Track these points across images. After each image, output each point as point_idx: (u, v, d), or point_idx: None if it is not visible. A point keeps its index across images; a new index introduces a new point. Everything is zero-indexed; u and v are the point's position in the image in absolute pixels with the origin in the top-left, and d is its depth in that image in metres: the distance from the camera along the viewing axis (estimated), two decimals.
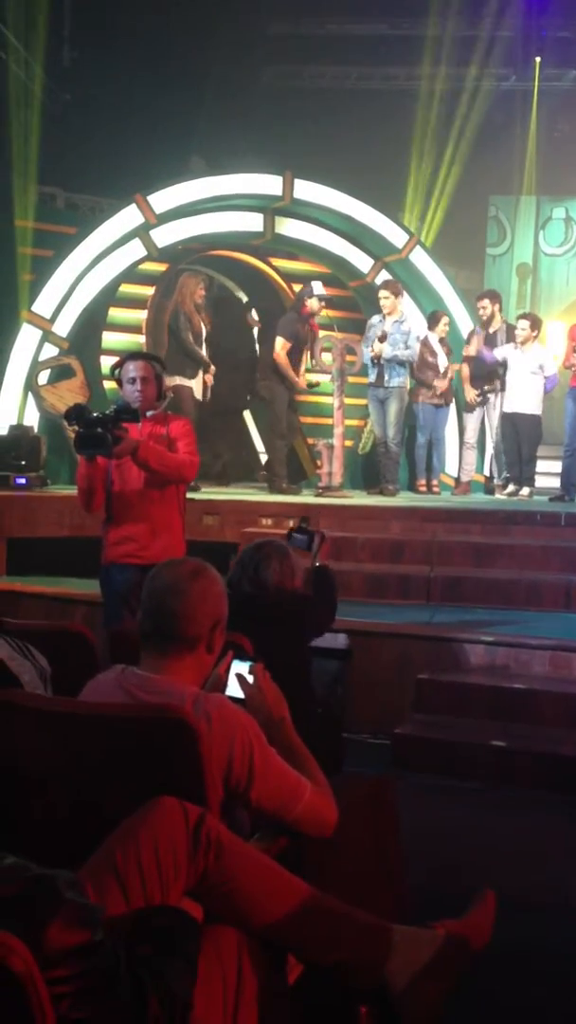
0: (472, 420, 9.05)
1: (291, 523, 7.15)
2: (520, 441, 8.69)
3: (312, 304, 8.30)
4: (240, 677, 2.29)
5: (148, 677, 2.15)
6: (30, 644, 2.42)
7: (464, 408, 9.15)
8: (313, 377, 8.66)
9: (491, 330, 8.97)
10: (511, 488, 8.79)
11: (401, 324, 8.40)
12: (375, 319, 8.54)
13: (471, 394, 8.91)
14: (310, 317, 8.39)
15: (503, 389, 8.81)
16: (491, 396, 8.89)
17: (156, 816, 1.68)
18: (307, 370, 8.59)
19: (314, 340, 8.39)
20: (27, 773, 2.00)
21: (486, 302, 9.05)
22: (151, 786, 1.85)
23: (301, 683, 3.31)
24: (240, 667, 2.32)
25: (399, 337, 8.34)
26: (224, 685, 2.29)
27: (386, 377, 8.39)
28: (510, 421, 8.72)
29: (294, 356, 8.26)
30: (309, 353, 8.39)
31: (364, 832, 2.30)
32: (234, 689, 2.29)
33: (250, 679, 2.28)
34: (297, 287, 9.49)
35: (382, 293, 8.51)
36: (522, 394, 8.61)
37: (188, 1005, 1.36)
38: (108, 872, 1.58)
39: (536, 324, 8.76)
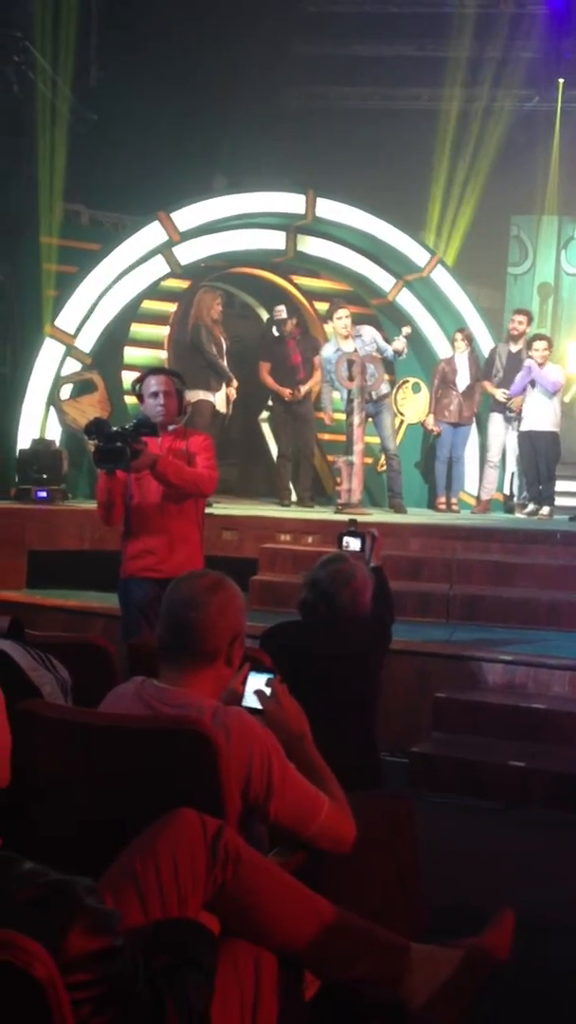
0: (495, 438, 9.03)
1: (310, 539, 7.20)
2: (538, 459, 8.67)
3: (276, 328, 8.59)
4: (259, 693, 2.28)
5: (167, 689, 2.16)
6: (51, 655, 2.43)
7: (489, 422, 9.12)
8: (304, 388, 8.68)
9: (514, 348, 8.96)
10: (531, 507, 8.76)
11: (362, 339, 8.32)
12: (329, 351, 8.31)
13: (499, 394, 8.87)
14: (285, 337, 8.57)
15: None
16: (513, 413, 8.87)
17: (175, 828, 1.68)
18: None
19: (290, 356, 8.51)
20: (47, 783, 2.01)
21: (523, 318, 9.05)
22: (169, 798, 1.85)
23: (370, 719, 3.28)
24: (257, 680, 2.32)
25: (371, 348, 8.31)
26: (240, 698, 2.29)
27: (372, 394, 8.38)
28: (528, 439, 8.71)
29: (282, 374, 8.52)
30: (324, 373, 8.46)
31: (382, 849, 2.29)
32: (251, 701, 2.28)
33: (268, 692, 2.27)
34: (319, 304, 9.57)
35: (340, 314, 8.33)
36: (539, 412, 8.60)
37: (205, 1016, 1.35)
38: (127, 882, 1.58)
39: (551, 344, 8.80)
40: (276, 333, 8.64)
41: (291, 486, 8.68)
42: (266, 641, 3.34)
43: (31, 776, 1.99)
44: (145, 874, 1.61)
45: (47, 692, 2.27)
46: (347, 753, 2.52)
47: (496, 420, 9.02)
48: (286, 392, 8.51)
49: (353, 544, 3.97)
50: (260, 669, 2.38)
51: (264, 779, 2.03)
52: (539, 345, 8.66)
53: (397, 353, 8.43)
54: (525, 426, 8.70)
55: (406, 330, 8.76)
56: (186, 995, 1.32)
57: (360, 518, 7.72)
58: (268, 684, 2.29)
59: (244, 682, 2.32)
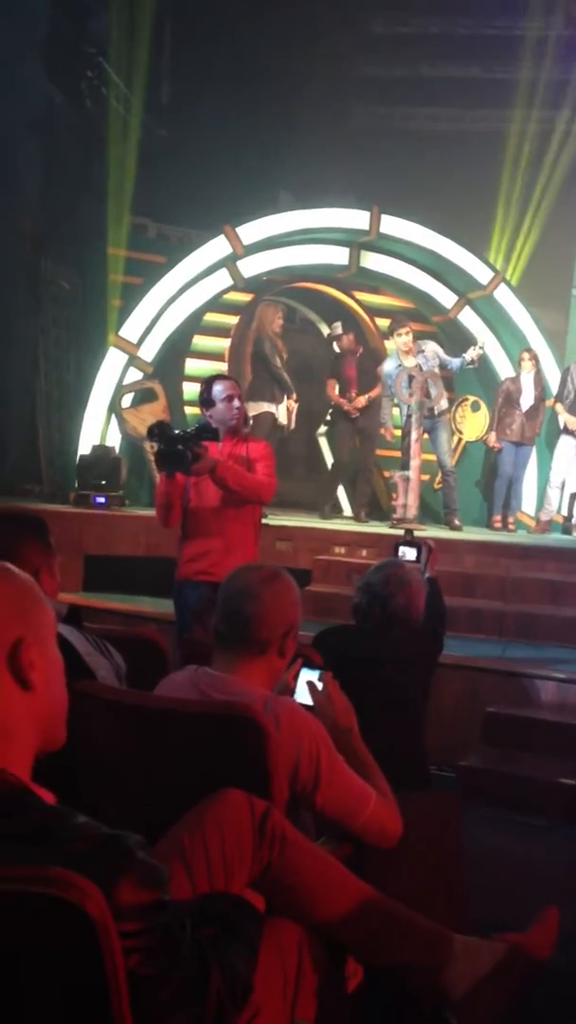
0: (561, 460, 8.95)
1: (364, 552, 7.21)
2: None
3: (336, 344, 8.69)
4: (310, 684, 2.31)
5: (220, 677, 2.19)
6: (107, 643, 2.48)
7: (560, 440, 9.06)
8: (362, 399, 8.72)
9: None
10: None
11: (424, 354, 8.34)
12: (390, 366, 8.37)
13: (569, 419, 8.81)
14: (345, 355, 8.63)
15: None
16: None
17: (223, 806, 1.71)
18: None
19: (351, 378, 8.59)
20: (100, 762, 2.05)
21: None
22: (218, 782, 1.87)
23: (419, 727, 3.28)
24: (309, 675, 2.35)
25: (433, 364, 8.31)
26: (292, 691, 2.32)
27: (432, 410, 8.37)
28: None
29: (342, 388, 8.60)
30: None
31: (427, 847, 2.29)
32: (303, 696, 2.31)
33: (319, 686, 2.30)
34: (381, 321, 9.60)
35: (402, 331, 8.34)
36: None
37: (249, 986, 1.37)
38: (175, 856, 1.61)
39: None
40: (337, 350, 8.71)
41: (338, 499, 8.70)
42: (317, 645, 3.36)
43: (84, 755, 2.03)
44: (193, 849, 1.64)
45: (101, 676, 2.31)
46: (395, 759, 2.52)
47: (565, 442, 8.93)
48: (344, 403, 8.53)
49: (409, 554, 3.97)
50: (312, 666, 2.41)
51: (312, 769, 2.05)
52: None
53: (471, 362, 8.40)
54: None
55: (481, 342, 8.77)
56: (231, 964, 1.35)
57: (419, 534, 7.75)
58: (319, 680, 2.32)
59: (296, 677, 2.34)
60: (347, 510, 9.30)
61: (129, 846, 1.17)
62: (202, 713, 2.03)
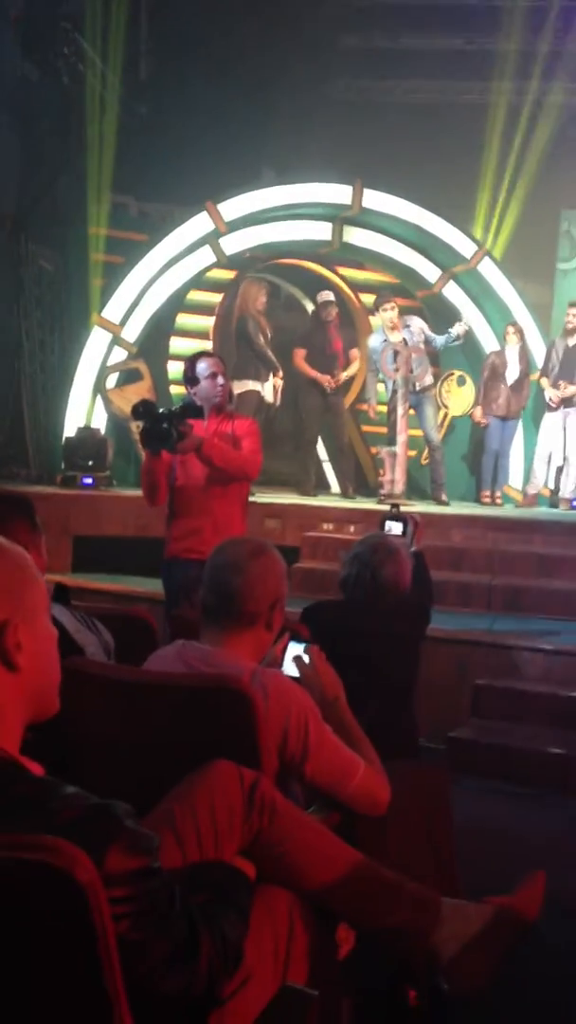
0: (547, 433, 8.95)
1: (352, 528, 7.22)
2: None
3: (321, 312, 8.63)
4: (297, 658, 2.32)
5: (208, 650, 2.20)
6: (95, 619, 2.49)
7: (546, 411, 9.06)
8: (345, 375, 8.78)
9: (572, 342, 8.89)
10: None
11: (410, 329, 8.32)
12: (376, 341, 8.36)
13: (553, 394, 8.82)
14: (326, 324, 8.58)
15: None
16: (571, 408, 8.79)
17: (212, 776, 1.72)
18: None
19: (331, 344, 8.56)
20: (90, 738, 2.05)
21: None
22: (208, 754, 1.88)
23: (408, 700, 3.30)
24: (296, 649, 2.36)
25: (419, 339, 8.29)
26: (280, 665, 2.33)
27: (416, 384, 8.36)
28: None
29: (317, 363, 8.52)
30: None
31: (416, 814, 2.31)
32: (290, 669, 2.32)
33: (306, 659, 2.31)
34: (364, 296, 9.58)
35: (388, 306, 8.32)
36: None
37: (240, 951, 1.39)
38: (165, 827, 1.62)
39: None
40: (327, 318, 8.62)
41: (324, 475, 8.69)
42: (305, 619, 3.37)
43: (73, 731, 2.04)
44: (183, 819, 1.65)
45: (90, 652, 2.32)
46: (384, 732, 2.54)
47: (551, 416, 8.93)
48: (326, 379, 8.51)
49: (395, 528, 3.99)
50: (299, 639, 2.42)
51: (300, 739, 2.07)
52: None
53: (457, 339, 8.37)
54: None
55: (466, 318, 8.76)
56: (222, 930, 1.36)
57: (402, 508, 7.76)
58: (307, 652, 2.34)
59: (284, 650, 2.36)
60: (334, 486, 9.31)
61: (117, 814, 1.19)
62: (190, 686, 2.04)
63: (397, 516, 4.05)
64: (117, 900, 1.13)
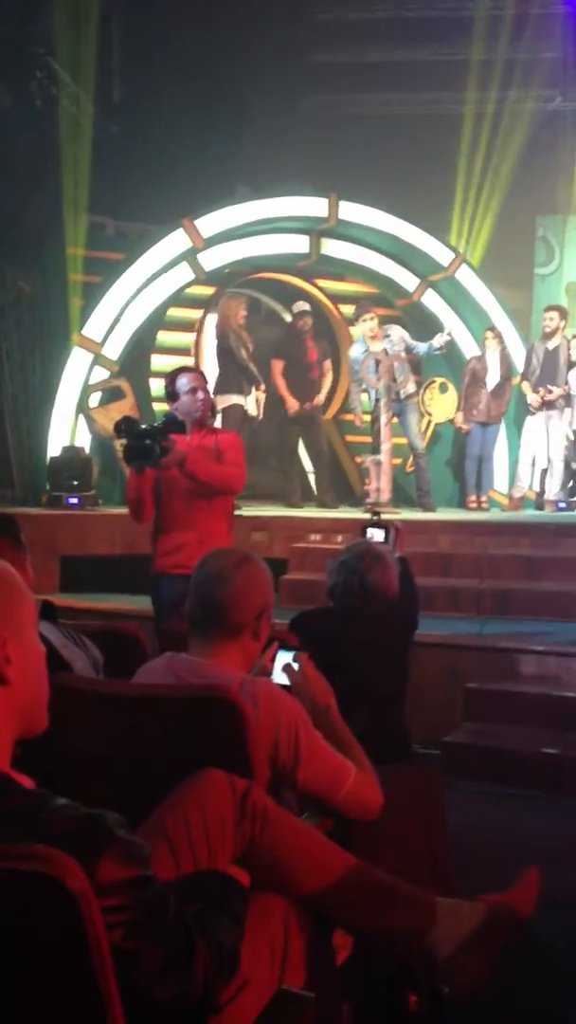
0: (530, 437, 8.99)
1: (339, 539, 7.23)
2: None
3: (297, 323, 8.65)
4: (287, 666, 2.33)
5: (196, 661, 2.21)
6: (83, 635, 2.49)
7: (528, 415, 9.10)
8: (321, 397, 8.82)
9: (551, 345, 8.94)
10: None
11: (390, 338, 8.34)
12: (357, 352, 8.37)
13: (535, 399, 8.86)
14: (301, 335, 8.60)
15: (568, 406, 8.83)
16: (554, 411, 8.84)
17: (203, 785, 1.73)
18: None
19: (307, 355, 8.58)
20: (80, 754, 2.05)
21: (554, 314, 9.02)
22: (199, 765, 1.88)
23: (399, 706, 3.31)
24: (285, 657, 2.37)
25: (399, 348, 8.33)
26: (269, 674, 2.34)
27: (399, 393, 8.39)
28: None
29: (294, 374, 8.53)
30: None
31: (409, 818, 2.32)
32: (279, 678, 2.33)
33: (296, 668, 2.32)
34: (344, 307, 9.63)
35: (367, 317, 8.33)
36: None
37: (236, 958, 1.40)
38: (158, 837, 1.63)
39: None
40: (303, 328, 8.66)
41: (310, 486, 8.71)
42: (293, 629, 3.38)
43: (63, 747, 2.04)
44: (176, 829, 1.66)
45: (78, 668, 2.32)
46: (376, 740, 2.54)
47: (533, 419, 8.98)
48: (293, 406, 8.53)
49: (377, 536, 4.02)
50: (288, 647, 2.43)
51: (291, 747, 2.07)
52: None
53: (439, 349, 8.41)
54: None
55: (448, 328, 8.80)
56: (217, 937, 1.37)
57: (388, 516, 7.79)
58: (296, 660, 2.34)
59: (273, 659, 2.36)
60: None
61: (109, 824, 1.19)
62: (180, 697, 2.05)
63: (378, 523, 4.09)
64: (110, 909, 1.14)
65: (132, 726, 2.04)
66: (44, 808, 1.19)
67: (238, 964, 1.41)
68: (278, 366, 8.60)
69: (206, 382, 4.58)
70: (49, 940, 1.08)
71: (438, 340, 8.35)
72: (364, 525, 4.08)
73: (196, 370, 4.71)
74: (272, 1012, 1.51)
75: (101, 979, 1.09)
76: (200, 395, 4.44)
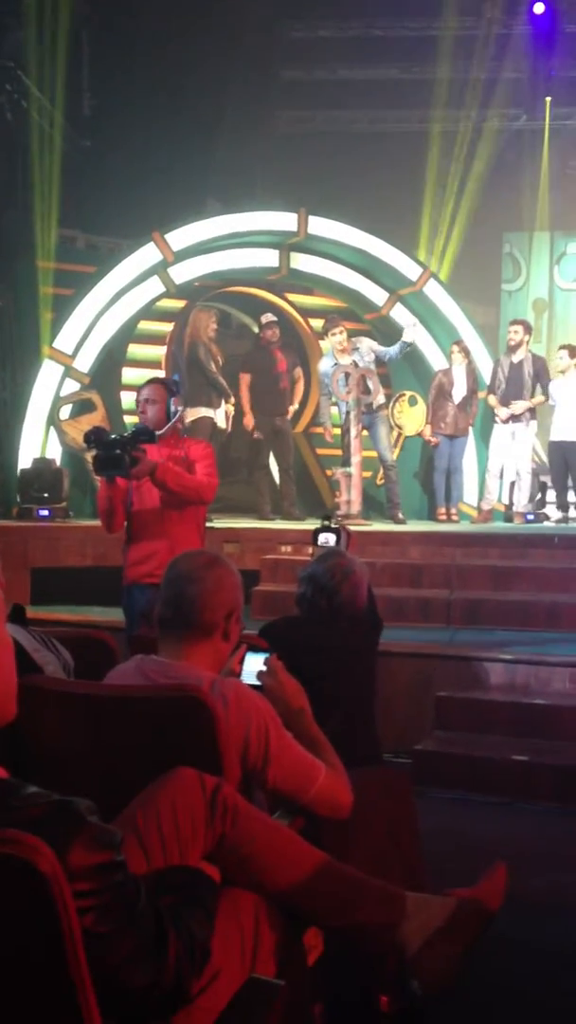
0: (497, 449, 9.07)
1: (310, 550, 7.24)
2: (569, 469, 8.80)
3: (265, 333, 8.70)
4: (261, 672, 2.33)
5: (166, 663, 2.21)
6: (54, 639, 2.49)
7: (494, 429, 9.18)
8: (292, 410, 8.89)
9: (515, 359, 9.03)
10: (559, 515, 8.88)
11: (359, 351, 8.38)
12: (326, 365, 8.43)
13: (503, 412, 8.94)
14: (269, 345, 8.65)
15: (534, 419, 8.93)
16: (519, 424, 8.93)
17: (174, 783, 1.73)
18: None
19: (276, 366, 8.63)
20: (52, 754, 2.06)
21: (519, 328, 9.09)
22: (170, 764, 1.89)
23: (368, 713, 3.32)
24: (254, 660, 2.37)
25: (370, 359, 8.37)
26: (238, 675, 2.34)
27: (371, 404, 8.44)
28: (559, 450, 8.85)
29: (263, 385, 8.57)
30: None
31: (379, 816, 2.33)
32: (249, 680, 2.33)
33: (265, 670, 2.32)
34: (313, 321, 9.69)
35: (337, 331, 8.37)
36: (570, 422, 8.71)
37: (207, 949, 1.40)
38: (129, 834, 1.63)
39: (574, 352, 8.91)
40: (271, 339, 8.69)
41: (268, 500, 8.71)
42: (263, 636, 3.38)
43: (35, 748, 2.05)
44: (147, 826, 1.67)
45: (50, 671, 2.32)
46: (346, 745, 2.56)
47: (500, 431, 9.06)
48: (250, 422, 8.57)
49: (330, 540, 4.08)
50: (257, 650, 2.44)
51: (262, 746, 2.08)
52: (562, 354, 8.91)
53: (409, 344, 8.45)
54: (556, 436, 8.87)
55: (412, 320, 8.85)
56: (188, 929, 1.38)
57: (360, 529, 7.81)
58: (265, 663, 2.35)
59: (241, 661, 2.37)
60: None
61: (79, 809, 1.20)
62: (150, 697, 2.05)
63: (329, 528, 4.16)
64: (82, 894, 1.15)
65: (103, 727, 2.04)
66: (14, 795, 1.20)
67: (209, 956, 1.42)
68: (245, 379, 8.63)
69: (167, 393, 4.57)
70: (20, 923, 1.08)
71: (407, 336, 8.41)
72: (316, 531, 4.16)
73: (159, 381, 4.73)
74: (242, 999, 1.52)
75: (73, 963, 1.09)
76: (142, 407, 4.50)
